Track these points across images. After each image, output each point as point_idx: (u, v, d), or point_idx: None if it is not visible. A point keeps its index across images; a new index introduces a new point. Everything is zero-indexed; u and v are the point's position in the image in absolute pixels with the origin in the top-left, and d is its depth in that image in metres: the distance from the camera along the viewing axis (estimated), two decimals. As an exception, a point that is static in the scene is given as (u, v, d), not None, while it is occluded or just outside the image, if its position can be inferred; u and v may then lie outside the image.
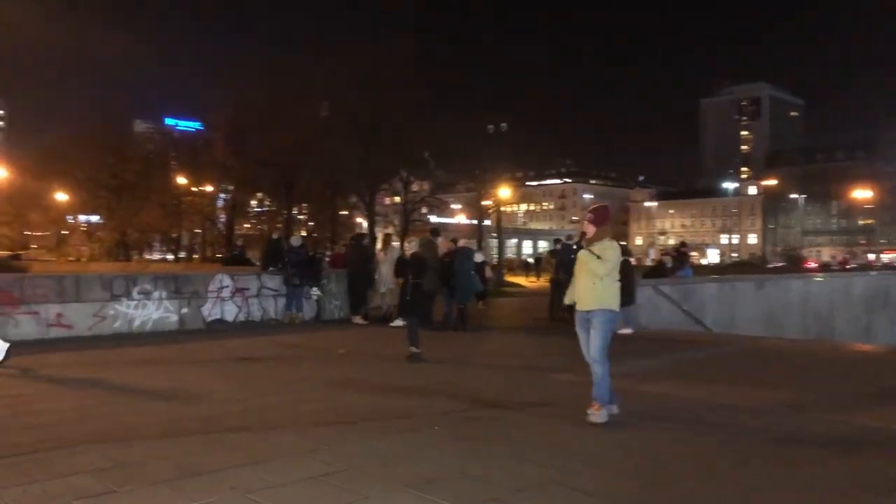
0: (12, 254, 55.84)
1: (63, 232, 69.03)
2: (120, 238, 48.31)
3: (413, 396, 7.12)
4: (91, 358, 9.40)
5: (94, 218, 62.32)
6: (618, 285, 6.16)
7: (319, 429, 5.75)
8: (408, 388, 7.56)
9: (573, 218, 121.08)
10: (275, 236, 18.24)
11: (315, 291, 14.25)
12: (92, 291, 11.54)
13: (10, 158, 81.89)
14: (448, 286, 13.30)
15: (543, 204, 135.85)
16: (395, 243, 15.63)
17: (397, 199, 46.17)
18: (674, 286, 16.39)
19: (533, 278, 41.49)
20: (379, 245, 15.74)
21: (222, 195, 49.25)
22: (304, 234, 47.00)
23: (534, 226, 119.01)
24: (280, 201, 44.58)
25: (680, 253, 20.37)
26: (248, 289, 13.45)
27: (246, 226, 58.94)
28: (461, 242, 13.73)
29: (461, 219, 67.18)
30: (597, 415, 5.94)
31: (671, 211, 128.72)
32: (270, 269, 14.17)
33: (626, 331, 13.01)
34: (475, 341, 12.03)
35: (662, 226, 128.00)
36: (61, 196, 58.39)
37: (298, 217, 52.02)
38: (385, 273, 14.03)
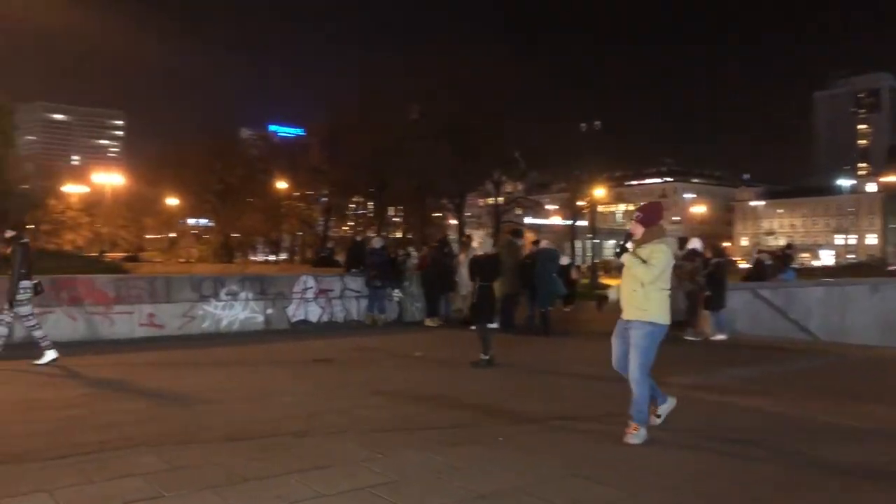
0: (128, 255, 59.52)
1: (174, 234, 72.93)
2: (224, 240, 50.46)
3: (480, 405, 6.88)
4: (176, 357, 9.70)
5: (203, 221, 65.54)
6: (665, 295, 5.50)
7: (379, 436, 5.62)
8: (476, 396, 7.33)
9: (674, 218, 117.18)
10: (358, 238, 18.41)
11: (396, 293, 14.26)
12: (182, 292, 11.95)
13: (128, 166, 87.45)
14: (530, 289, 12.99)
15: (642, 204, 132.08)
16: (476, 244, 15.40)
17: (491, 200, 46.03)
18: (775, 290, 15.40)
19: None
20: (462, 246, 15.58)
21: (324, 198, 50.58)
22: (398, 235, 47.62)
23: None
24: (376, 204, 45.41)
25: (784, 255, 19.19)
26: (331, 290, 13.60)
27: (344, 228, 60.40)
28: (543, 243, 13.36)
29: (556, 220, 66.32)
30: (634, 436, 5.45)
31: (779, 210, 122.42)
32: (353, 270, 14.28)
33: (720, 337, 12.30)
34: (556, 347, 11.65)
35: (770, 226, 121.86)
36: (172, 201, 61.70)
37: (394, 219, 52.81)
38: (465, 275, 13.83)
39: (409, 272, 14.80)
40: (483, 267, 9.50)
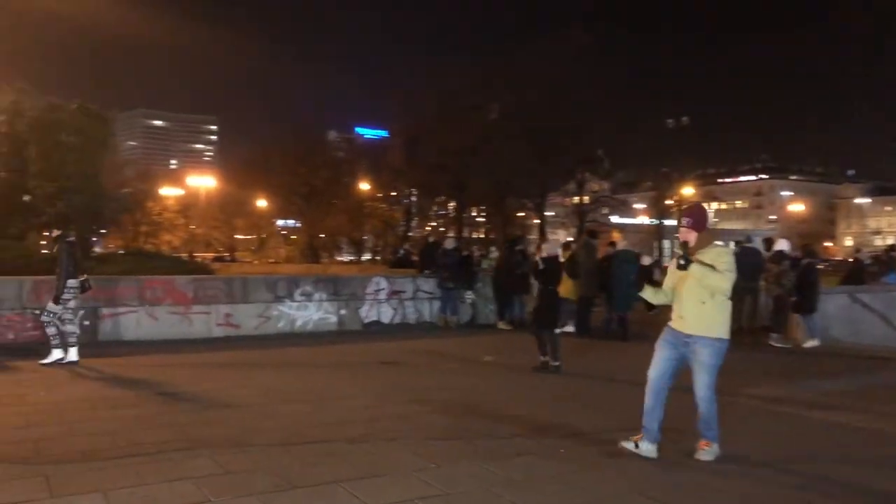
0: (218, 255, 61.68)
1: (263, 235, 75.34)
2: (309, 241, 51.71)
3: (544, 414, 6.62)
4: (246, 358, 9.83)
5: (291, 222, 67.45)
6: (730, 305, 5.12)
7: (436, 444, 5.46)
8: (541, 404, 7.07)
9: (770, 217, 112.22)
10: (431, 239, 18.35)
11: (469, 295, 14.08)
12: (258, 293, 12.16)
13: (221, 169, 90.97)
14: (607, 292, 12.56)
15: (737, 203, 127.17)
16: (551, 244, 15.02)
17: (575, 199, 45.27)
18: (876, 294, 14.35)
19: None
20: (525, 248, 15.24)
21: (412, 199, 51.08)
22: (479, 236, 47.46)
23: (726, 226, 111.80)
24: (457, 204, 45.45)
25: (889, 256, 17.94)
26: (403, 291, 13.56)
27: (427, 228, 60.81)
28: (620, 244, 12.87)
29: (643, 219, 64.61)
30: (706, 452, 5.15)
31: (888, 208, 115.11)
32: (426, 271, 14.21)
33: (812, 343, 11.55)
34: (633, 354, 11.12)
35: (877, 225, 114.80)
36: (262, 202, 63.74)
37: (478, 220, 52.72)
38: (541, 277, 13.53)
39: (484, 273, 14.61)
40: (544, 270, 9.14)
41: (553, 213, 58.90)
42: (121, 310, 11.02)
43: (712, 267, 4.94)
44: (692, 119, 37.57)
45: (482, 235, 46.73)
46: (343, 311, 12.86)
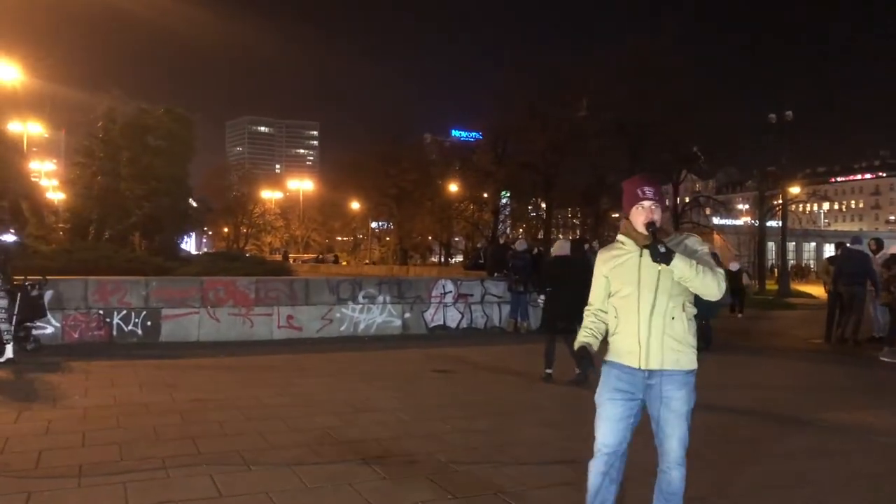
0: (316, 256, 63.12)
1: (358, 236, 76.71)
2: (399, 242, 52.04)
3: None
4: (297, 362, 9.53)
5: (385, 224, 68.34)
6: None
7: (460, 471, 4.85)
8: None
9: (890, 217, 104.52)
10: (501, 241, 17.65)
11: (541, 299, 13.32)
12: (320, 295, 11.91)
13: (320, 173, 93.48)
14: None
15: (852, 202, 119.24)
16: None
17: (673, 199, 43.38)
18: None
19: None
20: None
21: (502, 200, 50.48)
22: (570, 237, 46.20)
23: (840, 227, 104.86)
24: (547, 205, 44.50)
25: None
26: (471, 295, 12.99)
27: (519, 231, 60.02)
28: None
29: (746, 220, 61.34)
30: None
31: None
32: (495, 274, 13.58)
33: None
34: (714, 365, 10.14)
35: None
36: (356, 205, 64.84)
37: (573, 221, 51.46)
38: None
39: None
40: (550, 272, 8.77)
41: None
42: (182, 311, 11.01)
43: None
44: (800, 113, 34.82)
45: (572, 237, 45.49)
46: (407, 315, 12.43)
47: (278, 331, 11.51)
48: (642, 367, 3.23)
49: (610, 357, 3.35)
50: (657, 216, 3.25)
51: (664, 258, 3.10)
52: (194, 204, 23.04)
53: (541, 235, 44.31)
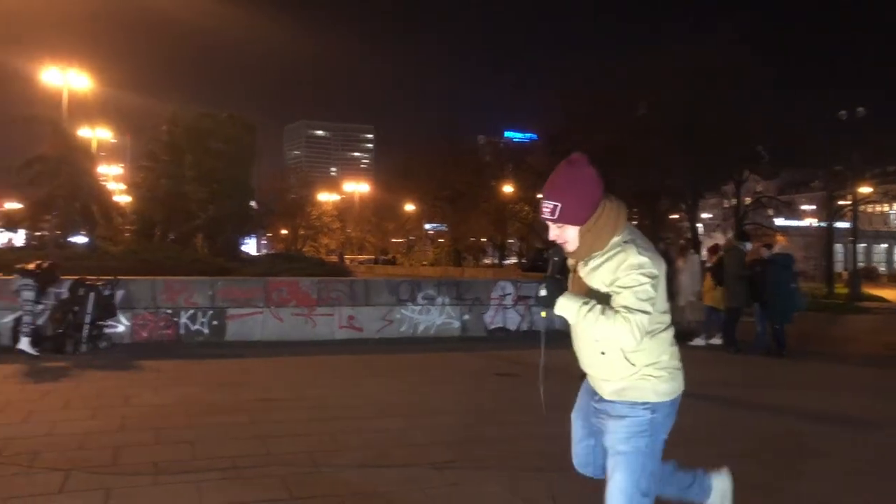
0: (371, 258, 63.62)
1: (412, 238, 77.10)
2: (453, 244, 52.05)
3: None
4: (360, 363, 9.54)
5: (439, 226, 68.52)
6: (665, 338, 2.77)
7: (531, 477, 4.74)
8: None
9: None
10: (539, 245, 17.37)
11: (606, 302, 13.08)
12: (380, 296, 11.92)
13: (374, 176, 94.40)
14: (760, 302, 11.14)
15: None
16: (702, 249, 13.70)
17: (734, 199, 42.18)
18: None
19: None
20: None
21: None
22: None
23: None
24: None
25: None
26: (531, 297, 12.80)
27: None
28: (776, 248, 11.36)
29: (812, 221, 59.31)
30: None
31: None
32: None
33: None
34: (787, 372, 9.76)
35: None
36: (410, 207, 65.18)
37: (632, 222, 50.65)
38: (684, 284, 12.31)
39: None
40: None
41: (710, 216, 55.37)
42: (247, 311, 11.16)
43: (605, 298, 2.58)
44: (872, 110, 33.38)
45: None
46: (466, 317, 12.35)
47: (339, 331, 11.56)
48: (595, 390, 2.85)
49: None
50: (562, 236, 2.67)
51: (545, 302, 2.64)
52: (255, 206, 23.45)
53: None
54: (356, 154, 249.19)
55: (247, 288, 11.37)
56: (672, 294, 12.69)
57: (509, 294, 12.71)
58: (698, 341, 11.60)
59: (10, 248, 24.35)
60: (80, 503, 4.05)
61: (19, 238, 22.83)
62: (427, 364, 9.63)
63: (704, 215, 53.32)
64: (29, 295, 9.31)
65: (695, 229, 35.87)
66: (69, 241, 20.00)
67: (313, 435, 5.67)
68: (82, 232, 20.95)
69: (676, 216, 47.87)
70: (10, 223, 23.41)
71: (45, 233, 20.58)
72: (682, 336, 12.18)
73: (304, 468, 4.79)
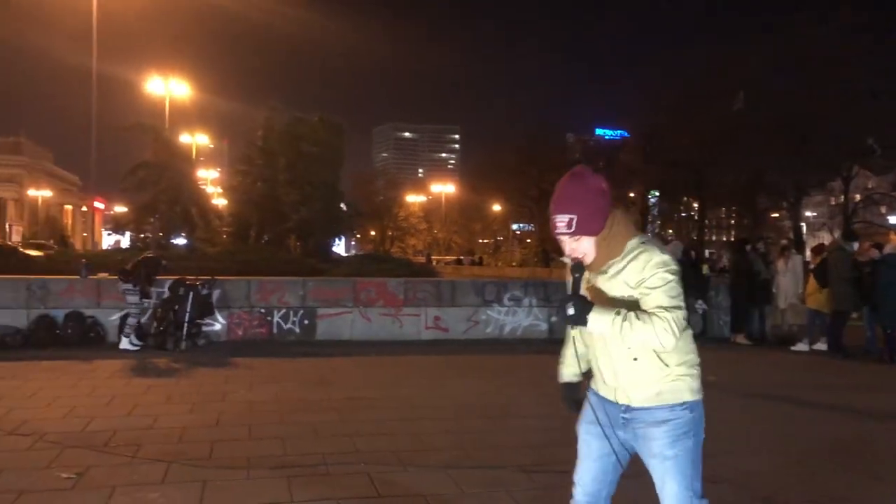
0: (456, 258, 63.98)
1: (499, 238, 77.00)
2: (541, 244, 51.60)
3: (749, 456, 5.41)
4: (451, 363, 9.56)
5: (526, 226, 68.12)
6: (689, 336, 2.62)
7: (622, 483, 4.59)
8: (755, 447, 5.82)
9: None
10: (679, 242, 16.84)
11: (700, 305, 12.59)
12: (466, 296, 11.91)
13: (461, 176, 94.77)
14: (870, 305, 10.48)
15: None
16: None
17: (842, 197, 39.89)
18: None
19: None
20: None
21: (650, 199, 48.80)
22: (724, 239, 43.84)
23: None
24: (699, 204, 42.46)
25: None
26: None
27: (670, 231, 57.79)
28: (888, 248, 10.63)
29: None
30: None
31: None
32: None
33: None
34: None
35: None
36: (496, 207, 65.08)
37: (728, 221, 48.95)
38: (784, 286, 11.73)
39: (717, 280, 13.07)
40: None
41: (815, 214, 52.63)
42: (336, 310, 11.38)
43: (630, 305, 2.46)
44: None
45: (731, 239, 43.10)
46: (554, 318, 12.16)
47: (426, 331, 11.63)
48: (614, 400, 2.71)
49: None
50: (579, 249, 2.58)
51: (574, 320, 2.45)
52: (344, 208, 23.96)
53: (694, 236, 42.29)
54: (443, 155, 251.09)
55: (336, 288, 11.60)
56: (770, 296, 12.16)
57: (598, 295, 12.44)
58: (801, 346, 11.02)
59: (117, 250, 25.88)
60: (179, 494, 4.20)
61: (126, 240, 24.20)
62: (513, 366, 9.55)
63: (809, 214, 50.76)
64: (131, 296, 9.86)
65: (798, 228, 34.16)
66: (170, 243, 21.01)
67: (400, 434, 5.70)
68: (182, 234, 21.99)
69: (777, 215, 45.75)
70: (118, 226, 24.85)
71: (149, 235, 21.72)
72: (784, 341, 11.62)
73: (390, 467, 4.82)
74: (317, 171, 20.94)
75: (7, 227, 64.42)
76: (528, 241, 66.15)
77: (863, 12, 28.87)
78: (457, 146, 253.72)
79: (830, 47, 28.95)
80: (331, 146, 21.32)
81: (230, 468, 4.70)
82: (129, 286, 9.84)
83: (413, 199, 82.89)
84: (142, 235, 21.90)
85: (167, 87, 27.85)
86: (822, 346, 10.93)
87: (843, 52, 28.73)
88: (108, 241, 62.80)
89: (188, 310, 10.07)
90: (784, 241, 15.49)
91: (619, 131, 61.27)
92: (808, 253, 21.25)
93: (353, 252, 64.09)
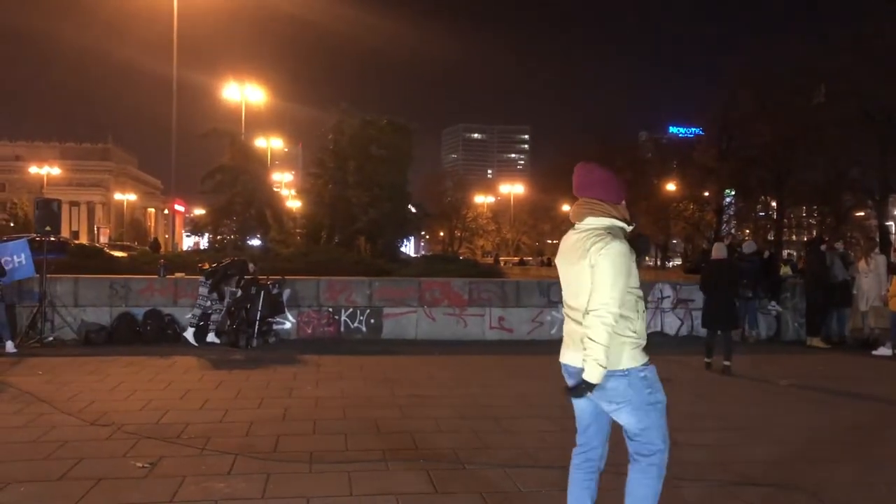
0: (520, 259, 63.55)
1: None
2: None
3: (819, 463, 5.20)
4: (515, 364, 9.56)
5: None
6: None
7: (688, 484, 4.51)
8: (819, 448, 5.59)
9: None
10: (726, 243, 16.34)
11: (773, 306, 12.18)
12: (531, 297, 11.87)
13: (530, 176, 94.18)
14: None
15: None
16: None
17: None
18: None
19: None
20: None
21: (726, 199, 47.34)
22: (804, 238, 42.13)
23: None
24: (778, 203, 40.94)
25: None
26: (692, 300, 12.19)
27: (746, 231, 55.95)
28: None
29: None
30: None
31: None
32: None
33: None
34: None
35: None
36: (566, 207, 64.31)
37: (809, 220, 47.09)
38: (866, 288, 11.22)
39: (793, 281, 12.60)
40: (710, 273, 9.14)
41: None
42: (402, 310, 11.53)
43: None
44: None
45: (806, 238, 41.36)
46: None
47: (490, 332, 11.64)
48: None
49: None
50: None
51: (580, 392, 3.40)
52: (413, 209, 24.16)
53: (771, 236, 40.83)
54: (512, 155, 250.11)
55: (401, 288, 11.75)
56: (849, 298, 11.64)
57: (668, 297, 12.20)
58: (883, 351, 10.51)
59: (196, 251, 26.85)
60: (245, 485, 4.36)
61: (205, 242, 25.10)
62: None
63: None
64: (203, 292, 10.28)
65: (884, 228, 32.49)
66: (246, 244, 21.66)
67: (460, 432, 5.75)
68: (257, 235, 22.63)
69: (862, 213, 43.71)
70: (196, 228, 25.76)
71: (226, 236, 22.45)
72: (865, 344, 11.11)
73: (449, 464, 4.87)
74: (385, 173, 21.19)
75: (95, 229, 67.82)
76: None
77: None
78: (526, 146, 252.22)
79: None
80: (398, 148, 21.54)
81: (294, 461, 4.84)
82: (207, 285, 10.26)
83: (481, 199, 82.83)
84: (219, 237, 22.63)
85: (243, 92, 28.75)
86: (885, 350, 10.41)
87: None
88: (187, 242, 65.37)
89: (259, 308, 10.39)
90: (864, 241, 14.77)
91: (693, 129, 59.69)
92: (894, 254, 20.21)
93: (422, 253, 64.59)
